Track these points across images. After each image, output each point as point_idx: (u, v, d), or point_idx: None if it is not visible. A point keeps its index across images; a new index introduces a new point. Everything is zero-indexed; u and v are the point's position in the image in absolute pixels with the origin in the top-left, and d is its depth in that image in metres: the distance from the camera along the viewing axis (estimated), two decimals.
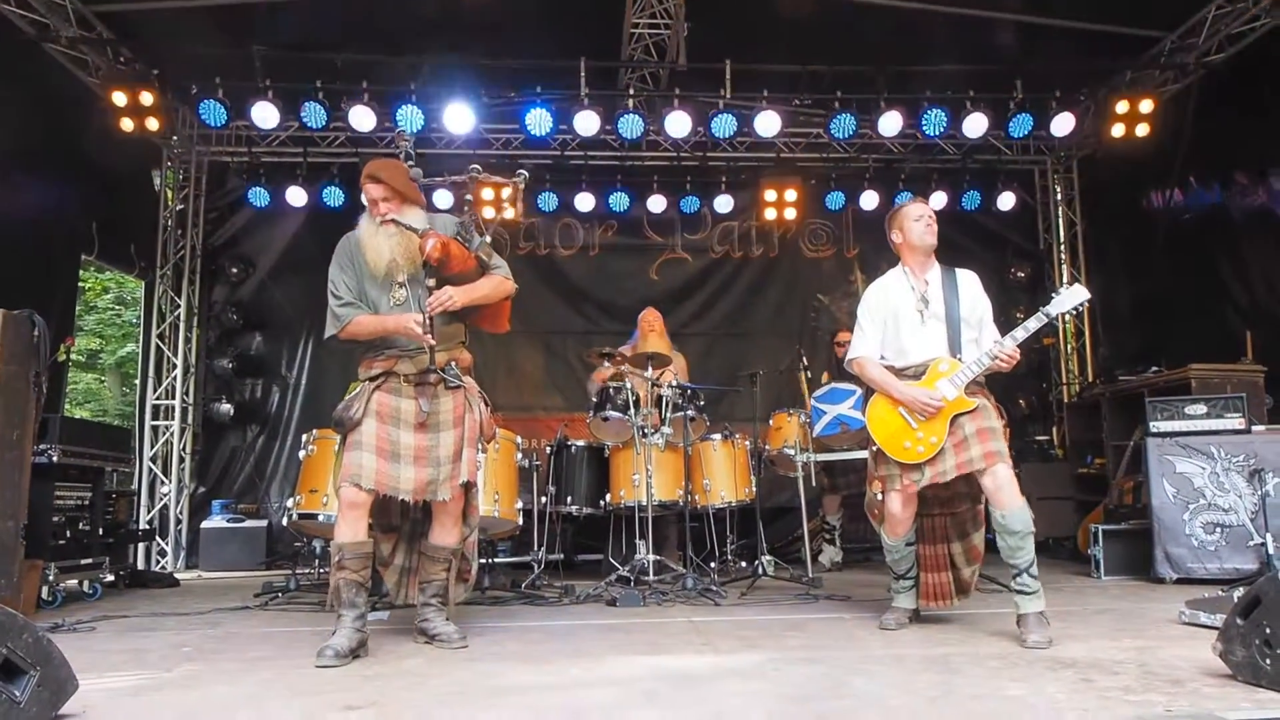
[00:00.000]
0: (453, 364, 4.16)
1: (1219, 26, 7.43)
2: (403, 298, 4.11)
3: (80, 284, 11.67)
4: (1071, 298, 4.22)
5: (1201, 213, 7.83)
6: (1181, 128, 8.06)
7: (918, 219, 4.45)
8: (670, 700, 2.98)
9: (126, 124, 7.81)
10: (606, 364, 6.67)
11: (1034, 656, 3.61)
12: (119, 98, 7.67)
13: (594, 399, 6.53)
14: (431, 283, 3.99)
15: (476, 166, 4.23)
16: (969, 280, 4.45)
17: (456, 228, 4.19)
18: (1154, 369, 7.33)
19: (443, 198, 8.40)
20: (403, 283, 4.11)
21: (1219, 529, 5.89)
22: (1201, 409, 6.16)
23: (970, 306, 4.37)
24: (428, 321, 3.93)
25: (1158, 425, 6.19)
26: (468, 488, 4.20)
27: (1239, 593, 3.06)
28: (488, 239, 4.21)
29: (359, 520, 3.93)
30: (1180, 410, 6.19)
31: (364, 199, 4.17)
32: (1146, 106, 8.13)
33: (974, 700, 2.89)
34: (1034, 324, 4.18)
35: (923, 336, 4.33)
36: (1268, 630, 2.86)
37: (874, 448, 4.42)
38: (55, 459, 5.76)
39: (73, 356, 10.23)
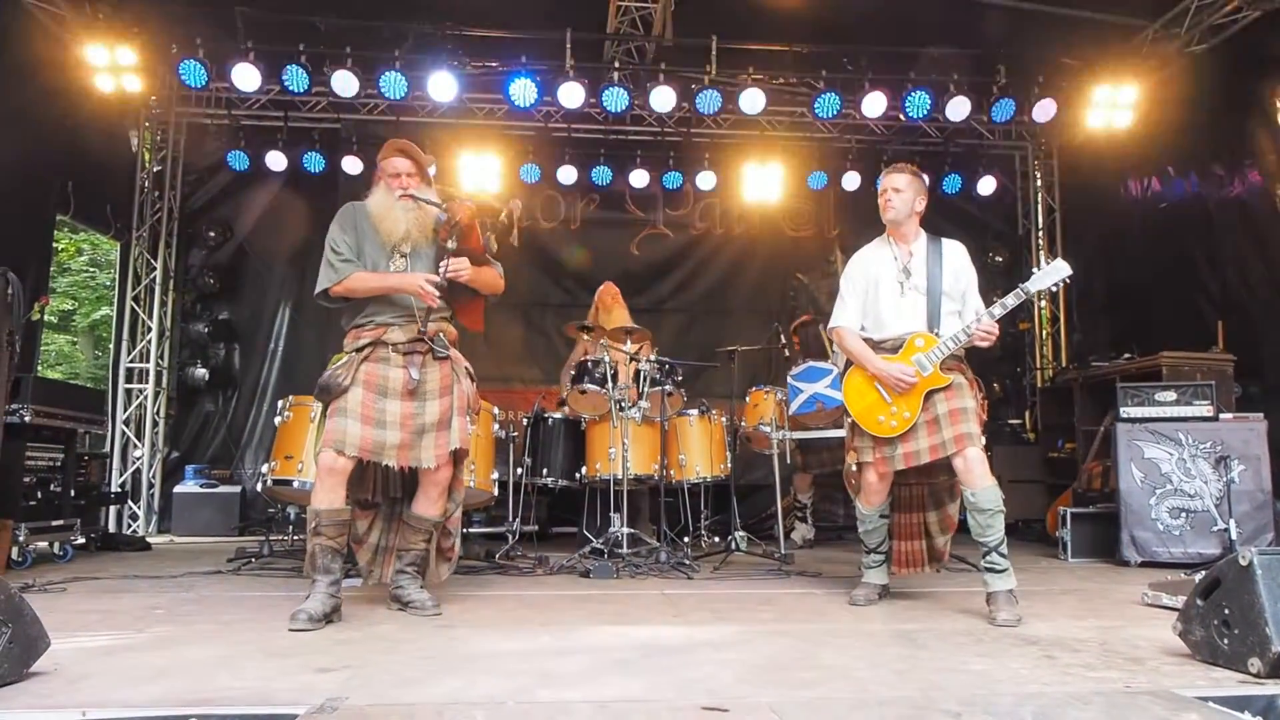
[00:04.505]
0: (441, 334, 4.19)
1: (1201, 17, 7.47)
2: (402, 267, 4.15)
3: (54, 245, 11.51)
4: (1053, 273, 4.13)
5: (1178, 202, 7.90)
6: (1161, 117, 8.12)
7: (881, 193, 4.46)
8: (640, 668, 3.02)
9: (104, 82, 7.71)
10: (586, 337, 6.66)
11: (1000, 633, 3.68)
12: (97, 55, 7.56)
13: (572, 372, 6.54)
14: (452, 244, 4.04)
15: (470, 202, 4.27)
16: (955, 251, 4.41)
17: None
18: (1126, 356, 7.41)
19: None
20: (405, 254, 4.16)
21: (1184, 514, 5.99)
22: (1171, 396, 6.23)
23: (953, 279, 4.34)
24: (443, 282, 4.01)
25: (1128, 411, 6.27)
26: (459, 456, 4.21)
27: (1200, 576, 3.12)
28: (491, 235, 4.32)
29: (337, 487, 3.93)
30: (1150, 397, 6.27)
31: (385, 169, 4.20)
32: (1128, 95, 8.22)
33: (938, 673, 2.95)
34: (1012, 300, 4.15)
35: (901, 308, 4.32)
36: (1226, 611, 2.92)
37: (849, 419, 4.45)
38: (28, 419, 5.73)
39: (46, 317, 10.12)
